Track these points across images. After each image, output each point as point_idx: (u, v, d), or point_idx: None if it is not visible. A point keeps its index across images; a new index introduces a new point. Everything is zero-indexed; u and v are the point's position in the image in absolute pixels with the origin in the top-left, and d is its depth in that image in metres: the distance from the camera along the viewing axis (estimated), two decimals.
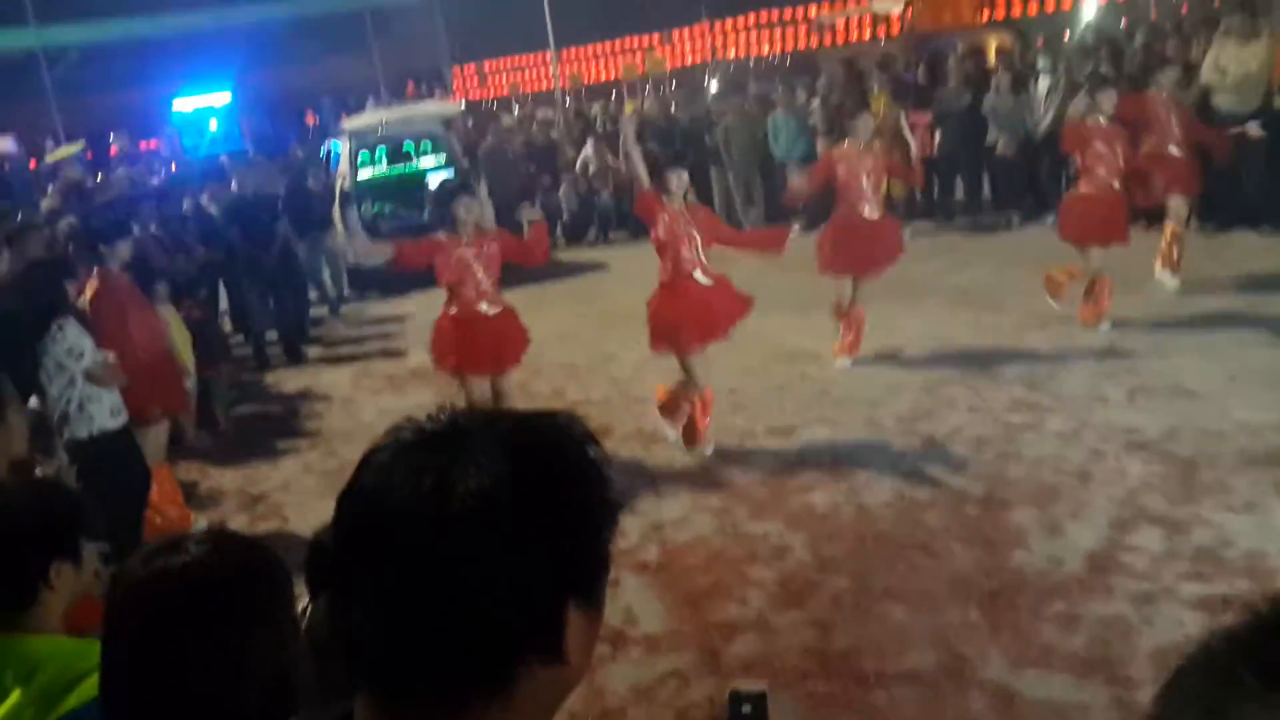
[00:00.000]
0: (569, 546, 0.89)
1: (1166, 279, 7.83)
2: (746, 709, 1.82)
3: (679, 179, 6.02)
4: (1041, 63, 11.59)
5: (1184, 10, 16.91)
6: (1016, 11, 21.33)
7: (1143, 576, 4.18)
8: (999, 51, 14.03)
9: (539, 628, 0.87)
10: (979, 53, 13.99)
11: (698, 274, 6.01)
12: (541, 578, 0.87)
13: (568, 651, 0.88)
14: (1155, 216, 8.27)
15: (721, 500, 5.47)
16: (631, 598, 4.54)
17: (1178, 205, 7.83)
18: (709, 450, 6.12)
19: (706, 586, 4.59)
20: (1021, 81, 11.46)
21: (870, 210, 7.15)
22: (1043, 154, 11.23)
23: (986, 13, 21.12)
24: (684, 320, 5.98)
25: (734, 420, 6.56)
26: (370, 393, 8.30)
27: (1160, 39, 11.43)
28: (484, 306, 5.99)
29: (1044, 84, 11.30)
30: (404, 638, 0.85)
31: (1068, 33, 16.45)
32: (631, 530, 5.15)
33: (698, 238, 5.97)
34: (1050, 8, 20.93)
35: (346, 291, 12.11)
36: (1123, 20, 16.53)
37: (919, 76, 12.94)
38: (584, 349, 8.56)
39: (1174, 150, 7.72)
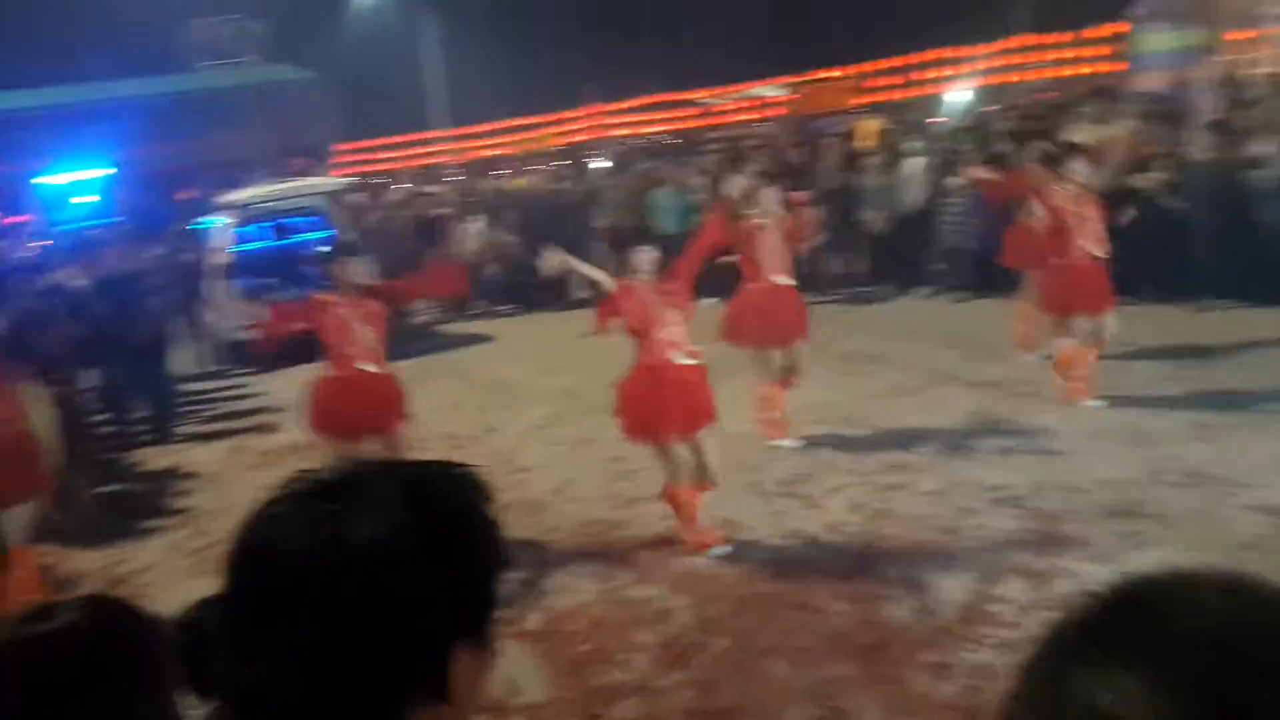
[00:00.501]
0: (461, 592, 0.90)
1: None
2: None
3: (649, 258, 5.57)
4: (910, 144, 12.16)
5: (1049, 95, 17.98)
6: (889, 97, 22.37)
7: (1009, 625, 4.31)
8: (873, 134, 14.67)
9: (428, 670, 0.88)
10: (854, 134, 14.64)
11: (677, 355, 5.46)
12: (433, 622, 0.88)
13: (455, 693, 0.89)
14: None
15: (605, 566, 5.45)
16: (513, 668, 4.46)
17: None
18: (722, 551, 5.41)
19: (589, 653, 4.55)
20: (893, 161, 11.98)
21: (782, 280, 7.08)
22: (914, 229, 11.72)
23: (861, 98, 22.09)
24: (664, 406, 5.38)
25: (619, 487, 6.57)
26: (243, 469, 8.07)
27: (1021, 122, 12.09)
28: (367, 365, 5.90)
29: (913, 164, 11.85)
30: (294, 686, 0.84)
31: (938, 119, 17.28)
32: (513, 599, 5.09)
33: (676, 314, 5.48)
34: (920, 93, 21.99)
35: (219, 366, 11.83)
36: (987, 104, 17.45)
37: (799, 156, 13.41)
38: (467, 420, 8.51)
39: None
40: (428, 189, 17.40)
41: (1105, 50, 19.43)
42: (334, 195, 13.78)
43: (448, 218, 15.01)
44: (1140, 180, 9.33)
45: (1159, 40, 14.26)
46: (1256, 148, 9.34)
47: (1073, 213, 6.86)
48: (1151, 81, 13.56)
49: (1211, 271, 9.68)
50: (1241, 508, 5.17)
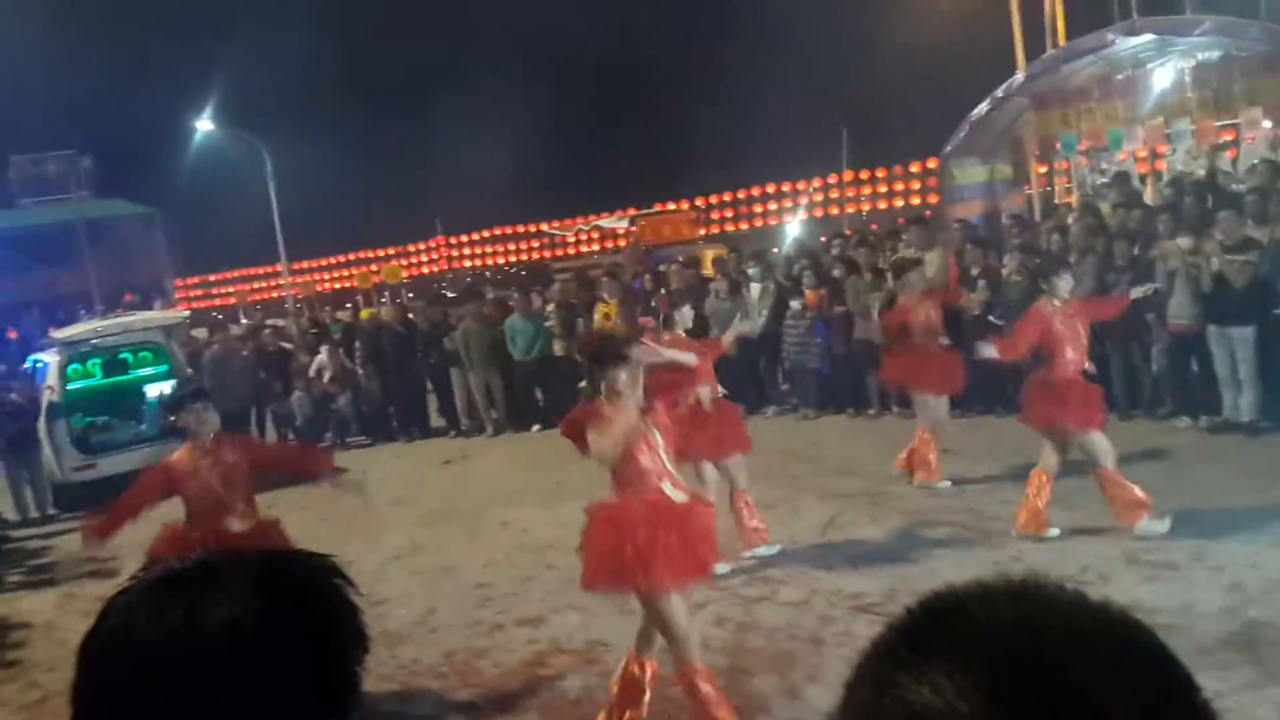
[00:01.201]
0: (321, 675, 0.89)
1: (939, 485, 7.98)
2: None
3: (628, 376, 4.56)
4: (752, 271, 12.70)
5: (874, 227, 19.12)
6: (729, 228, 23.37)
7: None
8: (715, 262, 15.26)
9: None
10: (698, 263, 15.19)
11: (666, 485, 4.62)
12: (292, 708, 0.87)
13: None
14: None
15: (471, 695, 5.33)
16: None
17: (942, 409, 8.34)
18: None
19: None
20: (736, 288, 12.46)
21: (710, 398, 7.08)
22: (760, 352, 12.15)
23: (703, 229, 23.00)
24: (649, 550, 4.44)
25: (483, 614, 6.46)
26: (79, 616, 7.56)
27: (852, 249, 12.79)
28: (233, 524, 5.19)
29: (756, 290, 12.36)
30: None
31: (775, 248, 18.12)
32: None
33: (660, 440, 4.62)
34: (759, 224, 23.06)
35: (51, 510, 11.15)
36: (821, 235, 18.42)
37: (645, 284, 13.79)
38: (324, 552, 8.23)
39: (942, 341, 8.44)
40: (272, 322, 17.08)
41: (919, 184, 20.95)
42: (170, 329, 13.37)
43: (293, 350, 14.73)
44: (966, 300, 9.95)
45: (971, 173, 15.47)
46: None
47: (1063, 326, 6.60)
48: (965, 210, 14.64)
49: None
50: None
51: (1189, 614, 5.20)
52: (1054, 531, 6.54)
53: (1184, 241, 9.14)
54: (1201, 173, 12.25)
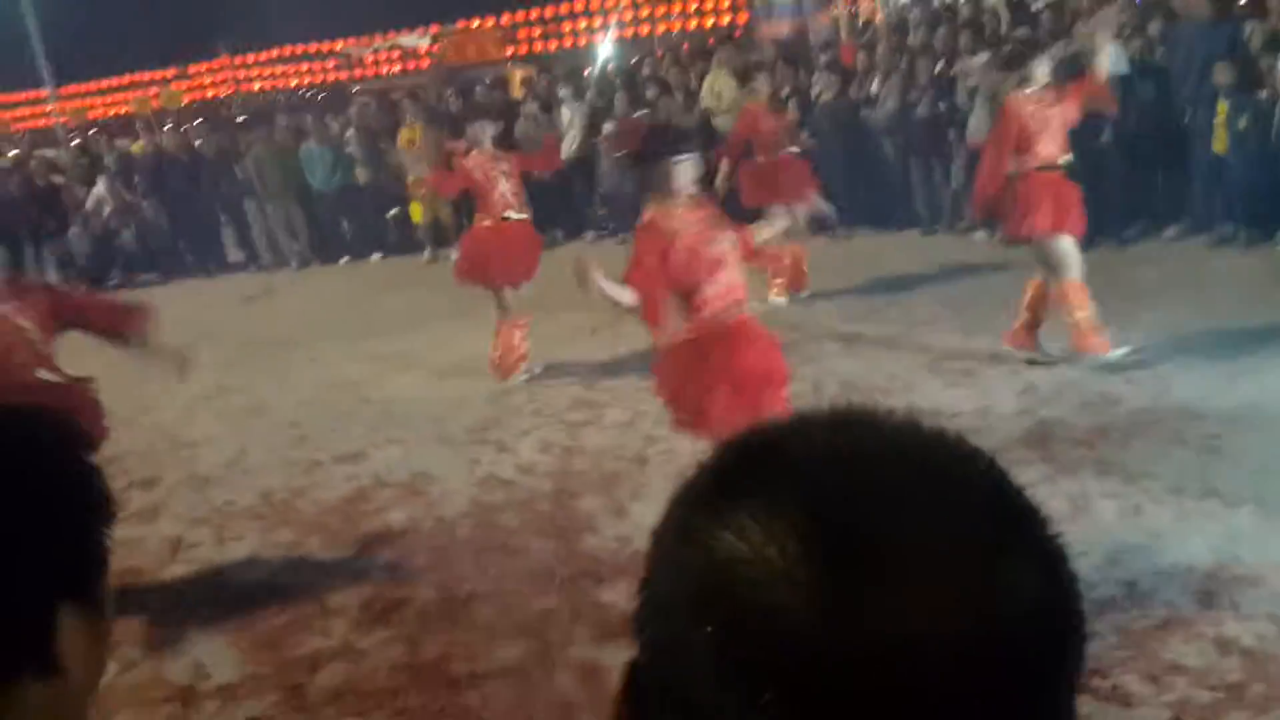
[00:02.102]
0: (49, 546, 0.80)
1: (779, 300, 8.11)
2: None
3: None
4: (563, 92, 12.30)
5: (685, 47, 18.78)
6: (538, 48, 22.53)
7: None
8: (524, 83, 14.70)
9: (26, 637, 0.78)
10: (506, 84, 14.60)
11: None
12: (25, 586, 0.78)
13: (65, 662, 0.79)
14: None
15: (293, 533, 5.17)
16: (198, 651, 4.14)
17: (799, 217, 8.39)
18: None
19: (283, 624, 4.29)
20: (547, 109, 12.08)
21: (515, 214, 6.95)
22: (574, 176, 11.91)
23: (510, 49, 22.08)
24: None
25: (299, 453, 6.24)
26: None
27: (664, 70, 12.54)
28: (50, 375, 4.54)
29: (567, 113, 12.01)
30: None
31: (586, 69, 17.58)
32: (193, 582, 4.72)
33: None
34: (569, 44, 22.32)
35: None
36: (633, 56, 17.96)
37: (451, 106, 13.19)
38: (121, 397, 7.69)
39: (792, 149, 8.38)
40: (40, 152, 15.55)
41: (728, 2, 20.64)
42: None
43: (68, 184, 13.50)
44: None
45: None
46: (873, 87, 10.24)
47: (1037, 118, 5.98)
48: (774, 29, 14.54)
49: (840, 202, 10.56)
50: None
51: (987, 416, 5.52)
52: (1119, 352, 5.91)
53: (984, 58, 9.33)
54: None
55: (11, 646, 0.76)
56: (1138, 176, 8.81)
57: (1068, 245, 5.96)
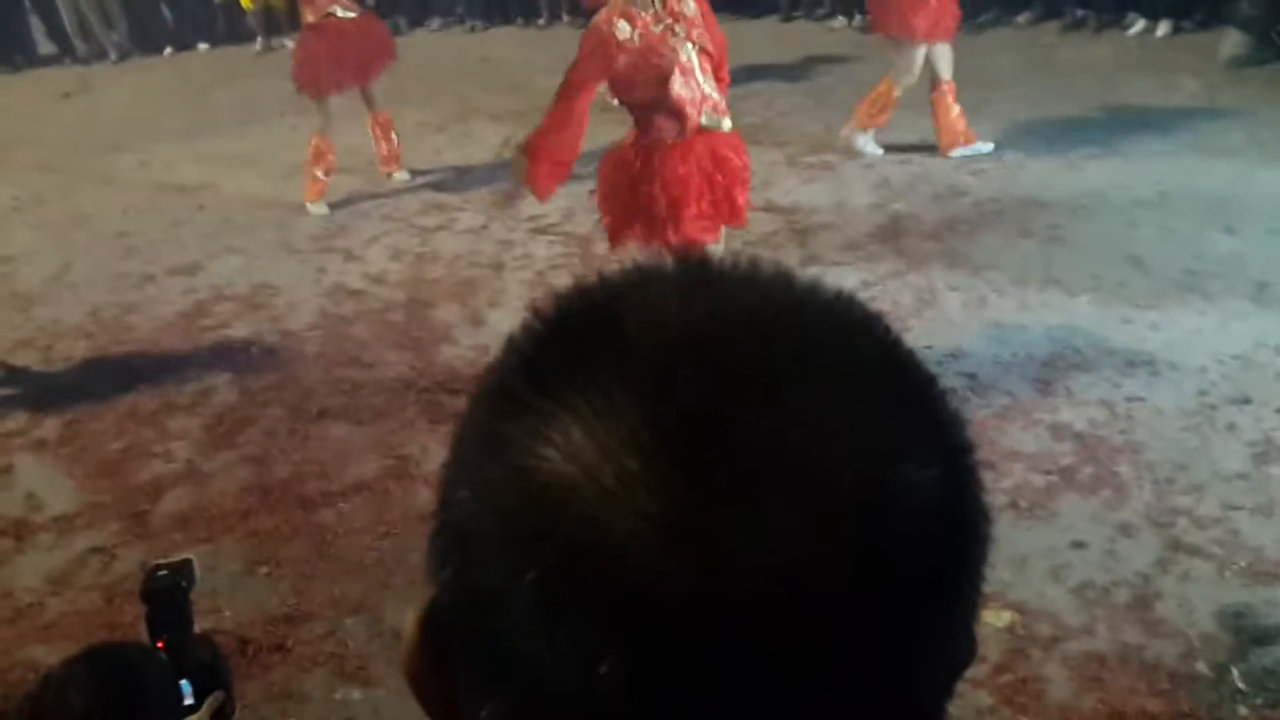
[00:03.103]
0: None
1: None
2: (163, 574, 1.64)
3: None
4: None
5: None
6: None
7: None
8: None
9: None
10: None
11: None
12: None
13: None
14: None
15: (125, 351, 4.89)
16: (31, 481, 3.94)
17: None
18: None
19: (122, 450, 4.10)
20: None
21: (341, 10, 6.16)
22: None
23: None
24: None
25: (129, 266, 5.85)
26: None
27: None
28: None
29: None
30: None
31: None
32: (18, 407, 4.45)
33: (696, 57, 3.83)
34: None
35: None
36: None
37: None
38: None
39: None
40: None
41: None
42: None
43: None
44: None
45: None
46: None
47: None
48: None
49: None
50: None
51: (842, 211, 5.52)
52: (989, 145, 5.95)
53: None
54: None
55: None
56: None
57: (945, 50, 5.82)
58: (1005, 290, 4.50)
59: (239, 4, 11.34)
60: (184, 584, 1.62)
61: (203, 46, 11.75)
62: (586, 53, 3.49)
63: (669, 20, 3.46)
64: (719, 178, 3.59)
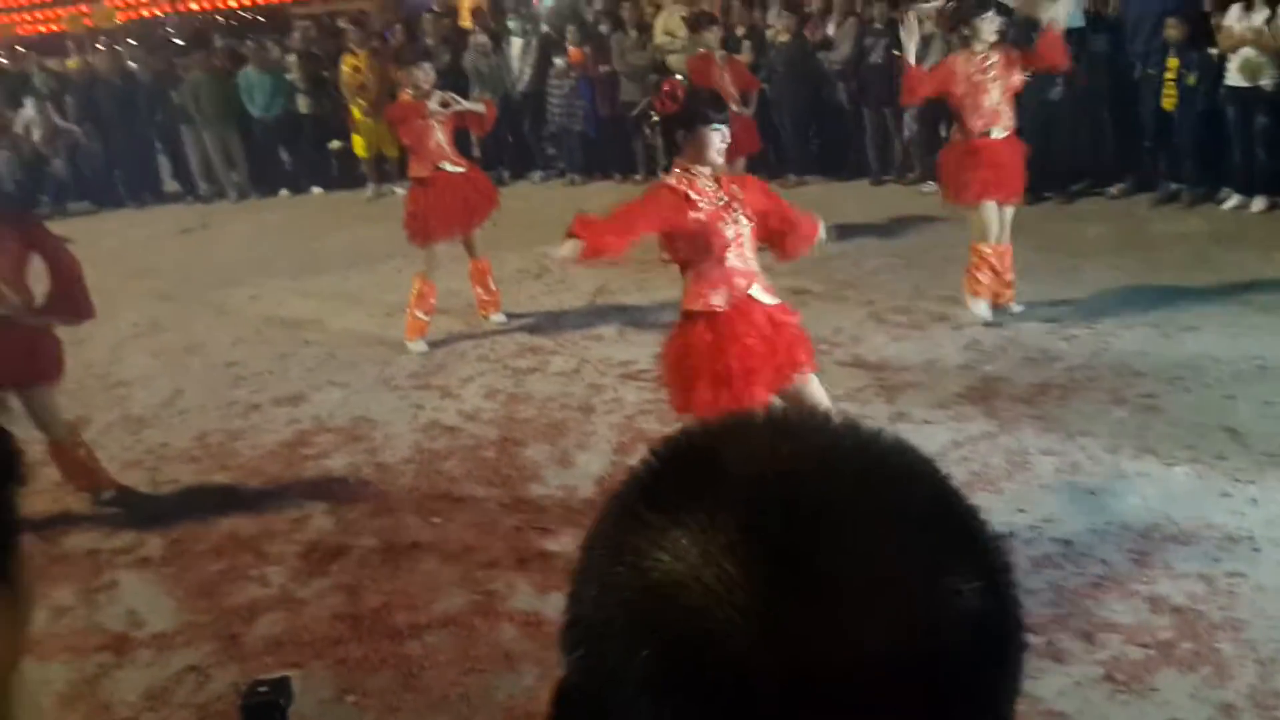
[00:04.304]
0: None
1: None
2: (263, 690, 1.69)
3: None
4: (513, 24, 12.00)
5: None
6: None
7: None
8: (473, 13, 14.32)
9: None
10: (455, 13, 14.22)
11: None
12: None
13: None
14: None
15: (229, 478, 5.07)
16: (133, 598, 4.07)
17: (739, 167, 8.30)
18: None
19: (220, 572, 4.23)
20: (497, 41, 11.79)
21: (450, 165, 6.62)
22: (523, 112, 11.68)
23: None
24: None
25: (236, 394, 6.11)
26: None
27: (615, 4, 12.28)
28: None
29: (517, 45, 11.73)
30: None
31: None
32: (126, 526, 4.63)
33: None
34: None
35: None
36: None
37: (395, 35, 12.83)
38: None
39: (734, 109, 8.14)
40: None
41: None
42: None
43: None
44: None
45: None
46: (830, 29, 10.12)
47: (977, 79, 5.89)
48: None
49: (792, 150, 10.51)
50: (835, 363, 5.73)
51: (931, 370, 5.55)
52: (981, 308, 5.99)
53: (937, 4, 9.26)
54: None
55: None
56: (1085, 132, 8.85)
57: (991, 214, 5.93)
58: (1099, 457, 4.46)
59: (353, 152, 12.04)
60: (282, 702, 1.67)
61: (317, 190, 12.42)
62: (656, 199, 3.77)
63: (727, 198, 3.75)
64: (780, 342, 3.84)
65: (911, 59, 5.93)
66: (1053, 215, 8.20)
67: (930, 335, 6.03)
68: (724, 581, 0.49)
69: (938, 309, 6.28)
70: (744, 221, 3.77)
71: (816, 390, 3.92)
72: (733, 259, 3.76)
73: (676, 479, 0.54)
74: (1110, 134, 8.88)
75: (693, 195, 3.70)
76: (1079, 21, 8.37)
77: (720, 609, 0.48)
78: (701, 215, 3.69)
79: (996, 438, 4.70)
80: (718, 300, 3.78)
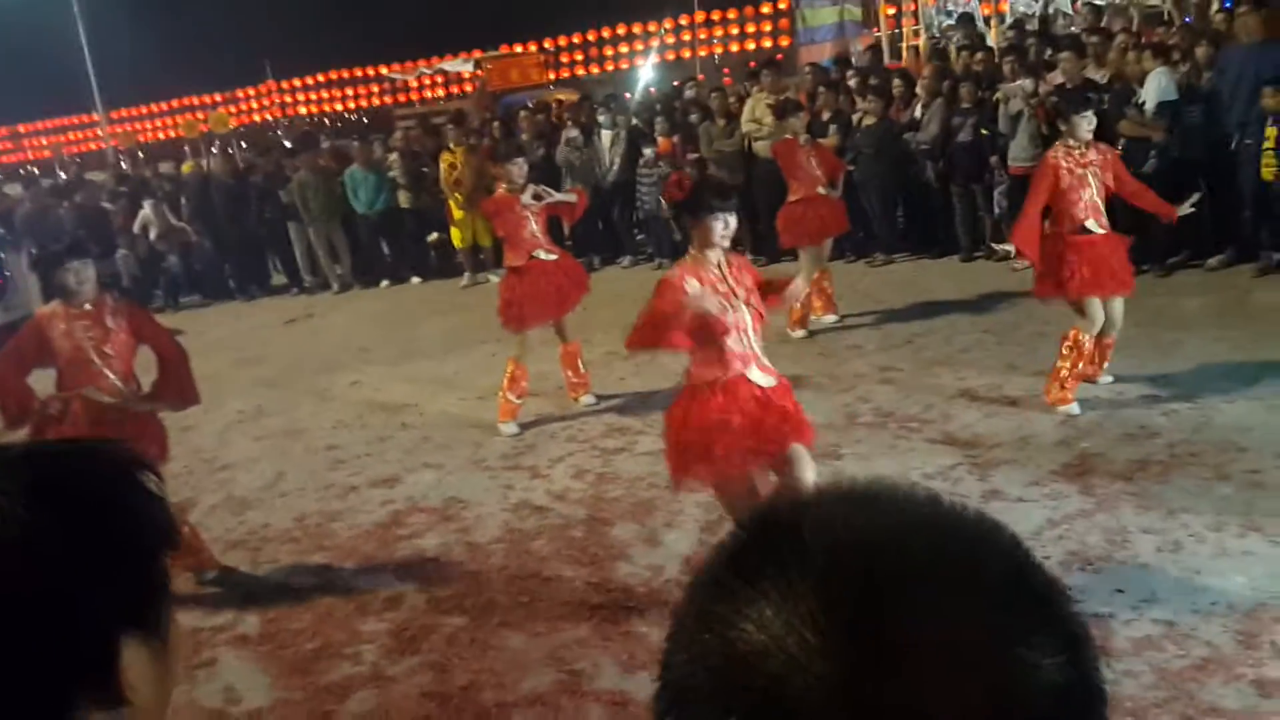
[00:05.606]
0: (115, 579, 0.80)
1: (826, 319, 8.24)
2: None
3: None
4: (603, 118, 12.35)
5: (725, 70, 18.81)
6: (579, 72, 22.69)
7: None
8: (566, 107, 14.79)
9: (94, 670, 0.77)
10: (548, 109, 14.70)
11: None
12: (88, 617, 0.77)
13: (130, 693, 0.79)
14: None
15: (326, 558, 5.20)
16: (231, 675, 4.17)
17: (826, 248, 8.33)
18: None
19: (315, 650, 4.32)
20: (588, 134, 12.13)
21: (544, 253, 6.85)
22: (613, 201, 11.96)
23: (551, 73, 22.27)
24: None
25: (335, 476, 6.29)
26: None
27: (705, 94, 12.56)
28: (102, 398, 4.71)
29: (607, 137, 12.06)
30: None
31: (627, 93, 17.67)
32: (226, 605, 4.77)
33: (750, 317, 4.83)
34: (610, 68, 22.46)
35: None
36: (674, 80, 18.04)
37: (492, 132, 13.30)
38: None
39: (821, 191, 8.12)
40: (91, 175, 15.87)
41: (770, 25, 20.66)
42: None
43: (115, 207, 13.74)
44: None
45: (821, 15, 15.31)
46: (916, 111, 10.19)
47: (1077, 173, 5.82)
48: (816, 53, 14.53)
49: (880, 229, 10.53)
50: (925, 441, 5.65)
51: (1026, 447, 5.44)
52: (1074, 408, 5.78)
53: (1026, 84, 9.27)
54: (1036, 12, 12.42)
55: (76, 678, 0.76)
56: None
57: (1095, 309, 5.83)
58: (1202, 535, 4.30)
59: (450, 243, 12.43)
60: None
61: (415, 280, 12.82)
62: (661, 293, 3.99)
63: (731, 284, 3.98)
64: (767, 420, 3.99)
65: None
66: (1151, 288, 8.00)
67: (1023, 411, 5.92)
68: (805, 649, 0.51)
69: (1032, 384, 6.17)
70: (744, 309, 3.98)
71: (806, 466, 3.98)
72: (731, 343, 3.97)
73: (761, 549, 0.57)
74: (1208, 205, 8.69)
75: (691, 285, 3.92)
76: (1172, 95, 8.29)
77: (800, 677, 0.51)
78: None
79: (1094, 515, 4.57)
80: (713, 378, 3.99)
